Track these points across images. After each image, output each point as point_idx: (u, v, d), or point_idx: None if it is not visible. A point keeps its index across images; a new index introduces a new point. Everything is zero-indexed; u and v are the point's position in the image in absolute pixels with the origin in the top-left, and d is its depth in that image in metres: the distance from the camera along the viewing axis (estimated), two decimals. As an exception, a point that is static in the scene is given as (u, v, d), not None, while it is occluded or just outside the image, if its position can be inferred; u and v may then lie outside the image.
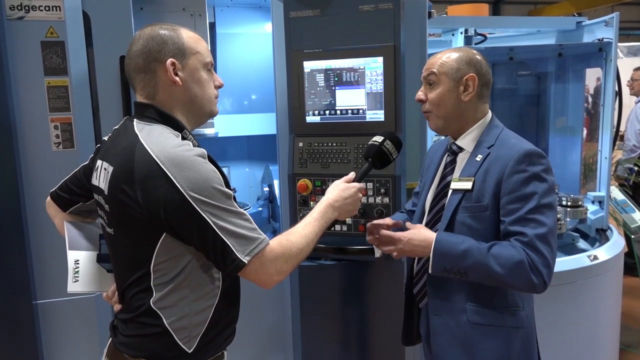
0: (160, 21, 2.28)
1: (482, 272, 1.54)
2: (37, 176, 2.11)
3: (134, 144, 1.30)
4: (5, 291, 2.10)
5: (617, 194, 3.42)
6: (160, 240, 1.30)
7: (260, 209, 3.12)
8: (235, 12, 3.00)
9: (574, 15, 3.26)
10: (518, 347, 1.63)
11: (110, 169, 1.35)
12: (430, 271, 1.62)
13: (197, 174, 1.24)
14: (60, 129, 2.11)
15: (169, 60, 1.35)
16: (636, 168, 4.42)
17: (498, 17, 3.19)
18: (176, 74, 1.36)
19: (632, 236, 3.25)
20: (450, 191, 1.69)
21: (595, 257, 2.61)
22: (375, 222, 1.79)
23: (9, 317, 2.11)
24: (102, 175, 1.40)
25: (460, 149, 1.74)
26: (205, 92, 1.43)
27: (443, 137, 3.23)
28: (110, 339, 1.45)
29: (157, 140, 1.30)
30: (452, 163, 1.76)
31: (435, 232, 1.71)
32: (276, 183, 3.01)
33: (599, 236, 3.01)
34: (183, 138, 1.37)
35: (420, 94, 1.73)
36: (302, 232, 1.41)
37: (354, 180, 1.62)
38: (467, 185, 1.64)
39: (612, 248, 2.77)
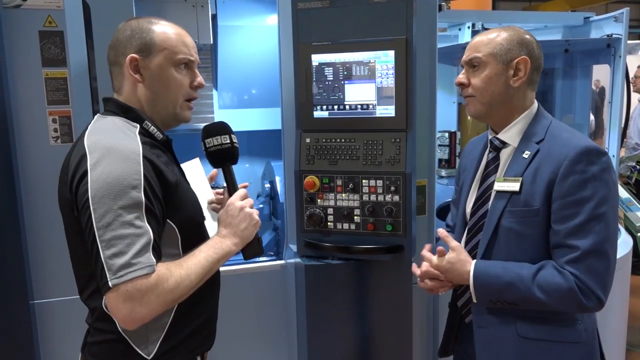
0: (161, 13, 2.22)
1: (530, 303, 1.43)
2: (35, 172, 2.03)
3: (82, 136, 1.27)
4: (1, 291, 2.02)
5: (621, 192, 3.39)
6: None
7: (261, 205, 3.05)
8: (237, 4, 2.92)
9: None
10: None
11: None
12: (475, 301, 1.51)
13: (113, 169, 1.16)
14: (58, 122, 2.03)
15: (129, 56, 1.31)
16: (638, 166, 4.39)
17: (506, 12, 3.15)
18: (137, 71, 1.32)
19: (638, 234, 3.21)
20: (493, 193, 1.53)
21: (605, 257, 2.56)
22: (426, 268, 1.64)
23: (4, 318, 2.04)
24: None
25: (504, 144, 1.58)
26: (169, 93, 1.35)
27: (447, 134, 3.21)
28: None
29: (98, 131, 1.27)
30: (494, 160, 1.60)
31: (478, 241, 1.58)
32: (278, 179, 2.95)
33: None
34: (144, 129, 1.31)
35: (461, 77, 1.56)
36: (186, 263, 1.25)
37: (229, 196, 1.48)
38: (514, 186, 1.47)
39: (621, 247, 2.73)
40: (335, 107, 2.13)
